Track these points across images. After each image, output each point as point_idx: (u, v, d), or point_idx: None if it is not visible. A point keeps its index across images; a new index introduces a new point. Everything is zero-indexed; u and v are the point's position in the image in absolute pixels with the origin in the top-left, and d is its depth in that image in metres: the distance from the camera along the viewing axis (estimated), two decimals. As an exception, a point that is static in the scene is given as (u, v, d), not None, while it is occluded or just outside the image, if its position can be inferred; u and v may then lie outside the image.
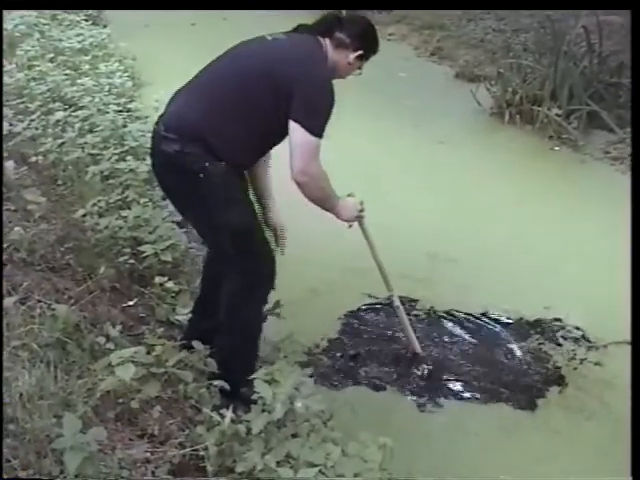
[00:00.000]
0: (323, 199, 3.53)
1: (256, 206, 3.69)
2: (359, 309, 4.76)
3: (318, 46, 3.52)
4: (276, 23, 4.20)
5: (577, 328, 4.63)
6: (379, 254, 4.03)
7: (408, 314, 4.44)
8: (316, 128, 3.31)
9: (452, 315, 4.72)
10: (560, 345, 4.51)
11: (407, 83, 9.22)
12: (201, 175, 3.34)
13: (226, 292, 3.60)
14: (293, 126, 3.29)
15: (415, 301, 4.81)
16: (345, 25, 3.58)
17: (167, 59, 9.25)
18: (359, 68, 3.69)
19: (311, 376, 3.31)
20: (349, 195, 3.77)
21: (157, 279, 4.11)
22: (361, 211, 3.83)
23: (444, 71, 9.85)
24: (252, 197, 3.69)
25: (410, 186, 6.43)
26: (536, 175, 6.95)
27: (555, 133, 7.82)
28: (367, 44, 3.63)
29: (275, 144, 3.58)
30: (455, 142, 7.52)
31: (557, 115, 7.91)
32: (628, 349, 4.04)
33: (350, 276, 4.94)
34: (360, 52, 3.58)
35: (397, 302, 4.24)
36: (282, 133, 3.39)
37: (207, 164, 3.33)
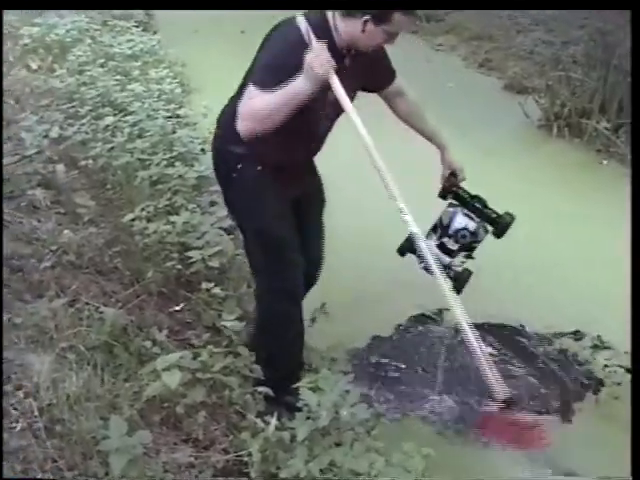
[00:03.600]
0: (279, 109, 3.21)
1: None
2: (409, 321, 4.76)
3: (319, 21, 3.36)
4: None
5: (601, 341, 4.61)
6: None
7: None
8: (257, 78, 3.27)
9: (487, 328, 4.68)
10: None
11: (455, 93, 9.20)
12: (234, 175, 3.49)
13: (255, 295, 3.85)
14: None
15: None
16: None
17: (216, 66, 9.28)
18: (388, 39, 3.37)
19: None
20: None
21: (204, 285, 4.13)
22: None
23: (492, 82, 9.81)
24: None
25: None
26: (583, 188, 6.90)
27: (603, 146, 7.76)
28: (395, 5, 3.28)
29: (309, 141, 3.62)
30: (502, 153, 7.49)
31: (606, 129, 7.86)
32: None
33: (399, 287, 4.91)
34: (366, 17, 3.26)
35: (466, 332, 3.62)
36: (309, 129, 3.48)
37: (240, 165, 3.46)
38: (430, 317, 4.80)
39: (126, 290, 4.01)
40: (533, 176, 7.02)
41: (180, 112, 7.41)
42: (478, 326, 3.95)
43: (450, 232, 3.90)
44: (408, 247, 3.72)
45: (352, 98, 3.47)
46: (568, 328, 4.74)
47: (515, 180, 6.87)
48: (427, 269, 3.60)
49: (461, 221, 3.90)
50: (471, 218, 3.91)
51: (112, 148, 5.67)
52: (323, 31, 3.31)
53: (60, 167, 5.10)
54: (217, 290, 4.14)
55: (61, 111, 6.30)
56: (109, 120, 6.17)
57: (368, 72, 3.56)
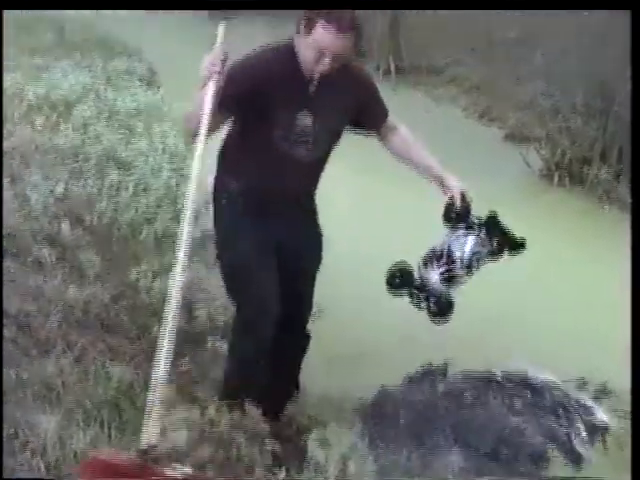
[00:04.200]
0: (195, 114, 3.16)
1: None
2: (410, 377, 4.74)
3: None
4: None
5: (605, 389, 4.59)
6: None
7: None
8: None
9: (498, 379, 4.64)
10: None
11: (455, 144, 9.25)
12: (217, 205, 3.62)
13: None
14: None
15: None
16: None
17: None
18: (318, 56, 3.15)
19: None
20: None
21: (210, 339, 4.15)
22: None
23: (493, 133, 9.88)
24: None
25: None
26: (585, 234, 6.93)
27: (605, 193, 7.81)
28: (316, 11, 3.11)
29: (288, 170, 3.45)
30: (504, 203, 7.47)
31: (607, 175, 7.90)
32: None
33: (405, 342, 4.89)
34: (303, 21, 3.13)
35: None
36: (282, 154, 3.38)
37: (225, 195, 3.57)
38: (436, 370, 4.77)
39: (132, 345, 4.03)
40: (535, 224, 7.03)
41: (184, 166, 7.44)
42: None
43: (456, 257, 3.75)
44: (401, 280, 3.71)
45: (334, 133, 3.49)
46: (571, 374, 4.72)
47: (517, 228, 6.88)
48: (419, 304, 3.69)
49: (472, 247, 3.78)
50: (483, 245, 3.81)
51: (117, 204, 5.70)
52: (289, 54, 3.27)
53: (65, 224, 5.14)
54: (223, 345, 4.15)
55: (66, 168, 6.34)
56: (114, 176, 6.21)
57: (352, 108, 3.50)
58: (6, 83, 8.45)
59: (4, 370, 3.58)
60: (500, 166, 8.62)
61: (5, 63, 7.87)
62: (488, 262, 3.81)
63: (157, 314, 4.29)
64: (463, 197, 3.77)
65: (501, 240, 3.86)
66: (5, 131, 7.10)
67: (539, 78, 11.32)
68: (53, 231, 5.11)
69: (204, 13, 12.92)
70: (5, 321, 4.07)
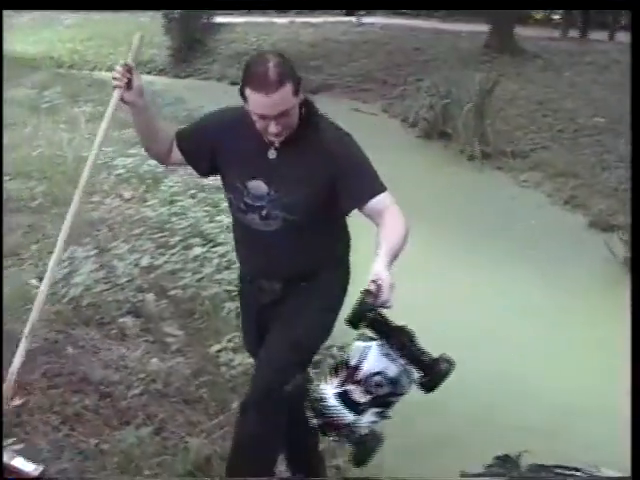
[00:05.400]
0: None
1: None
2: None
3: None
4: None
5: None
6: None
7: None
8: None
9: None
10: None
11: (538, 231, 9.20)
12: None
13: None
14: None
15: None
16: None
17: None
18: (259, 120, 2.97)
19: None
20: None
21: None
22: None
23: (577, 220, 9.80)
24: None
25: (539, 336, 6.34)
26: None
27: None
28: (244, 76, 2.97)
29: (255, 243, 3.29)
30: (585, 292, 7.42)
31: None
32: None
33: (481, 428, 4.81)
34: (240, 91, 2.98)
35: None
36: (244, 223, 3.23)
37: None
38: (512, 460, 4.66)
39: (211, 421, 4.05)
40: (616, 316, 6.92)
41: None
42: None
43: (359, 377, 2.67)
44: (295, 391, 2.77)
45: (301, 205, 3.09)
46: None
47: (598, 321, 6.79)
48: (321, 426, 2.67)
49: (377, 362, 2.69)
50: (392, 359, 2.69)
51: (201, 279, 5.79)
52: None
53: (150, 296, 5.24)
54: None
55: (152, 240, 6.46)
56: (198, 250, 6.30)
57: (324, 181, 3.07)
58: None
59: (87, 439, 3.66)
60: (583, 254, 8.54)
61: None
62: (401, 392, 2.70)
63: (236, 390, 4.34)
64: (378, 289, 2.72)
65: (415, 361, 2.71)
66: (94, 201, 7.30)
67: (624, 165, 11.27)
68: (137, 302, 5.19)
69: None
70: (87, 389, 4.15)
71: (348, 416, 2.61)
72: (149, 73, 18.04)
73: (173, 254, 6.18)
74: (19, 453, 3.34)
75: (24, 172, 7.92)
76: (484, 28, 19.21)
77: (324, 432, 2.68)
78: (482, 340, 5.42)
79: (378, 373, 2.63)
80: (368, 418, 2.64)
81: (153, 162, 8.73)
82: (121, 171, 8.54)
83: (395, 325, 2.71)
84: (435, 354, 2.72)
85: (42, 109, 11.41)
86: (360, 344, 2.69)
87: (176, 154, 3.30)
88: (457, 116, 11.68)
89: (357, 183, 3.07)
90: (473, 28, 20.02)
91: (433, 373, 2.67)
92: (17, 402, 3.87)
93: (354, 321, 2.66)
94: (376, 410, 2.67)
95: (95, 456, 3.64)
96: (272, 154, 3.09)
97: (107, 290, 5.35)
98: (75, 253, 5.81)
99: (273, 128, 2.94)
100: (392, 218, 3.01)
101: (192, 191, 8.22)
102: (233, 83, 10.85)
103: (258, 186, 3.10)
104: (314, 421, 2.65)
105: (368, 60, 18.38)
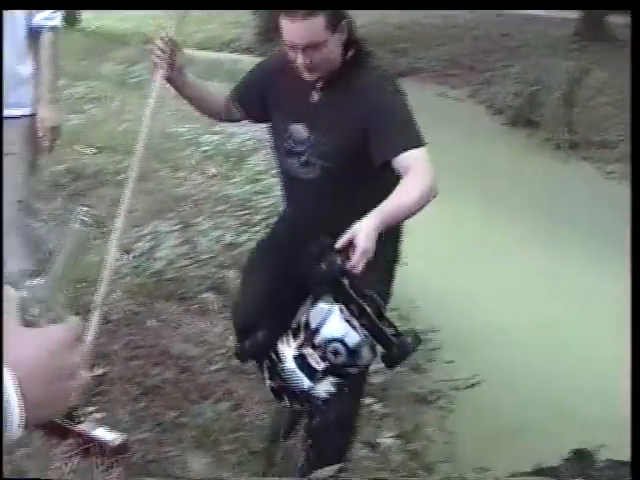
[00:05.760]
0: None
1: None
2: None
3: None
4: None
5: None
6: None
7: None
8: None
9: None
10: None
11: (623, 223, 9.02)
12: None
13: None
14: None
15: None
16: None
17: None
18: (290, 51, 2.91)
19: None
20: None
21: (365, 400, 4.15)
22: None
23: (663, 213, 9.62)
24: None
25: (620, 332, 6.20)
26: None
27: None
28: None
29: (295, 191, 3.26)
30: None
31: None
32: None
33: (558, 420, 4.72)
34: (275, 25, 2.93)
35: None
36: (287, 172, 3.20)
37: None
38: (588, 454, 4.58)
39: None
40: None
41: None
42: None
43: (317, 341, 2.46)
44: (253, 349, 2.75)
45: (339, 153, 2.98)
46: None
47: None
48: (275, 390, 2.56)
49: (337, 327, 2.43)
50: (354, 327, 2.42)
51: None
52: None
53: (232, 273, 5.26)
54: (377, 407, 4.15)
55: (235, 217, 6.48)
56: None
57: (359, 129, 2.91)
58: (183, 130, 8.77)
59: (166, 412, 3.70)
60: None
61: (185, 112, 8.13)
62: (360, 364, 2.50)
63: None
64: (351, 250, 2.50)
65: (378, 333, 2.41)
66: (179, 177, 7.36)
67: None
68: (219, 279, 5.22)
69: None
70: (167, 362, 4.20)
71: (304, 382, 2.46)
72: (235, 51, 18.08)
73: (256, 232, 6.19)
74: (99, 422, 3.41)
75: (110, 146, 7.99)
76: (574, 15, 18.87)
77: (278, 396, 2.55)
78: (565, 332, 5.33)
79: (336, 340, 2.41)
80: (324, 387, 2.47)
81: (238, 140, 8.83)
82: (206, 148, 8.58)
83: (363, 292, 2.46)
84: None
85: (129, 84, 11.52)
86: (323, 306, 2.48)
87: (231, 110, 3.33)
88: (545, 104, 11.50)
89: (388, 135, 2.88)
90: (563, 14, 19.65)
91: (396, 348, 2.40)
92: (98, 372, 3.93)
93: (316, 280, 2.50)
94: (333, 380, 2.48)
95: (173, 429, 3.68)
96: (314, 96, 3.04)
97: (189, 265, 5.39)
98: (159, 227, 5.86)
99: (300, 59, 2.86)
100: (411, 177, 2.75)
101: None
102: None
103: (299, 130, 3.04)
104: (268, 382, 2.55)
105: (455, 45, 18.20)
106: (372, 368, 4.15)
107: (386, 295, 3.13)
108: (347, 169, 2.98)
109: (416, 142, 2.84)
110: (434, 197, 2.75)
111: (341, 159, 2.98)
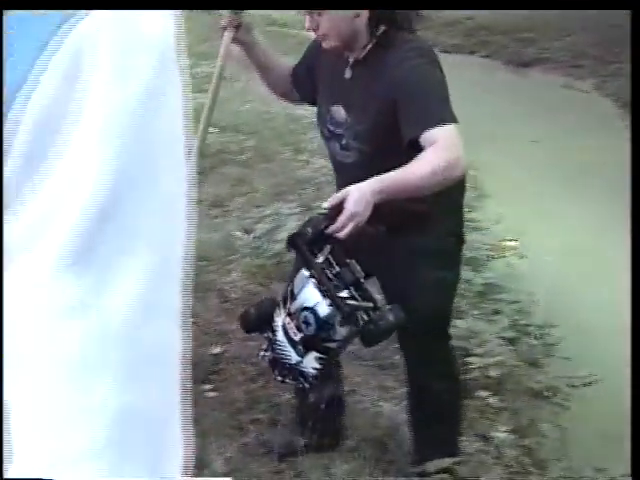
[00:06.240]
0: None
1: None
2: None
3: None
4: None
5: None
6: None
7: None
8: None
9: None
10: None
11: None
12: None
13: None
14: None
15: None
16: None
17: (507, 173, 9.13)
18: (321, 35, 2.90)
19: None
20: None
21: (481, 393, 4.10)
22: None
23: None
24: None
25: None
26: None
27: None
28: None
29: (339, 176, 3.12)
30: None
31: None
32: None
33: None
34: None
35: None
36: (331, 156, 3.14)
37: None
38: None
39: (402, 388, 4.04)
40: None
41: (471, 216, 7.36)
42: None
43: (292, 309, 2.39)
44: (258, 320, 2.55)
45: (373, 134, 2.86)
46: None
47: None
48: (272, 362, 2.52)
49: (310, 296, 2.35)
50: (326, 296, 2.33)
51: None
52: None
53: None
54: (493, 400, 4.09)
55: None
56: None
57: (388, 105, 2.79)
58: (306, 112, 8.76)
59: (280, 393, 3.71)
60: None
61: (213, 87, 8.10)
62: (335, 339, 2.40)
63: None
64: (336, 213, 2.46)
65: (349, 305, 2.34)
66: (301, 160, 7.36)
67: None
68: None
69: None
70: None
71: (292, 355, 2.40)
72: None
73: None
74: (212, 401, 3.43)
75: (233, 126, 8.04)
76: None
77: (273, 368, 2.49)
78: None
79: (307, 309, 2.34)
80: (310, 363, 2.39)
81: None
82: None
83: (344, 260, 2.40)
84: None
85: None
86: (304, 272, 2.42)
87: (290, 90, 3.33)
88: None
89: (415, 111, 2.73)
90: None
91: (374, 324, 2.33)
92: (215, 350, 3.97)
93: (291, 242, 2.45)
94: (316, 355, 2.39)
95: (287, 411, 3.68)
96: (347, 73, 2.96)
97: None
98: (280, 209, 5.88)
99: (308, 23, 2.86)
100: (426, 154, 2.60)
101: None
102: (444, 51, 10.69)
103: (338, 111, 2.95)
104: (265, 354, 2.50)
105: (582, 35, 17.80)
106: (487, 362, 4.16)
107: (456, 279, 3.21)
108: (383, 154, 2.83)
109: (445, 119, 2.69)
110: (458, 176, 2.67)
111: (376, 141, 2.86)
